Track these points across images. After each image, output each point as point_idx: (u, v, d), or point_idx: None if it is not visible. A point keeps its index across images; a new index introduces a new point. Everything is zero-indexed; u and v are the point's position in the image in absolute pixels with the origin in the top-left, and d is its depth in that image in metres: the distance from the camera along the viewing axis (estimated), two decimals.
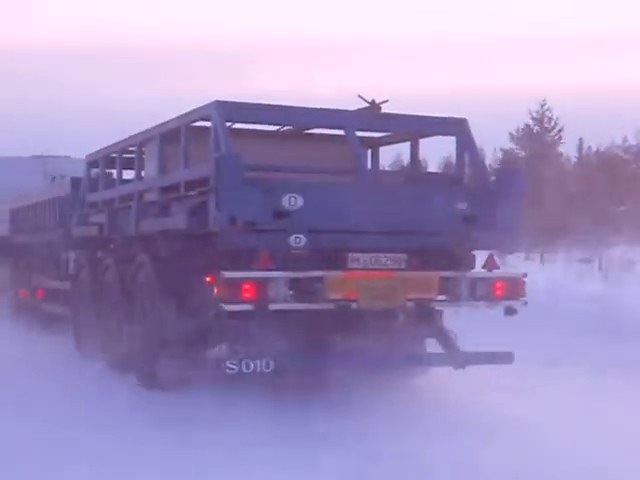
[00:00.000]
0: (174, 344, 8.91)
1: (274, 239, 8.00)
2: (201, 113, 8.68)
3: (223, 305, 7.83)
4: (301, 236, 7.97)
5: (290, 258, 8.00)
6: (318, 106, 8.76)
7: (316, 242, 8.05)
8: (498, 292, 8.61)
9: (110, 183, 11.33)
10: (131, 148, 10.80)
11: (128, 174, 11.22)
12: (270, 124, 9.41)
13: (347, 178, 8.87)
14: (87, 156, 12.27)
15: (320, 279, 7.99)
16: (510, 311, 8.70)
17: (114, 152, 11.20)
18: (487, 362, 8.59)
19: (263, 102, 8.62)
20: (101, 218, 11.07)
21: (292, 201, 7.99)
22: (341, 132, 9.13)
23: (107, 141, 11.49)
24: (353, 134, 8.69)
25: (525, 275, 8.75)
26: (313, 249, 8.04)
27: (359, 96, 8.89)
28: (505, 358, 8.58)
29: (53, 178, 17.18)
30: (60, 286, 13.86)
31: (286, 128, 9.93)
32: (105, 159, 11.53)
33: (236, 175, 7.84)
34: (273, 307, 7.90)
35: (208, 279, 8.00)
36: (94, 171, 12.01)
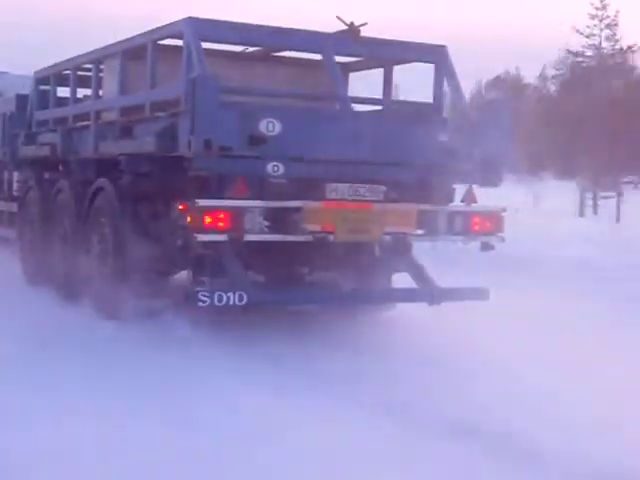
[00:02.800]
0: (137, 273, 8.52)
1: (250, 166, 7.59)
2: (171, 30, 8.16)
3: (196, 235, 7.44)
4: (279, 164, 7.58)
5: (267, 187, 7.61)
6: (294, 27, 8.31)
7: (294, 171, 7.67)
8: (476, 227, 8.37)
9: (63, 101, 10.75)
10: (87, 65, 10.23)
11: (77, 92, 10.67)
12: (245, 45, 8.95)
13: (324, 105, 8.48)
14: (35, 72, 11.64)
15: (298, 209, 7.65)
16: (486, 247, 8.49)
17: (67, 69, 10.60)
18: (463, 298, 8.36)
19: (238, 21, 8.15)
20: (53, 138, 10.49)
21: (270, 126, 7.57)
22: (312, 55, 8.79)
23: (48, 58, 10.96)
24: (331, 59, 8.27)
25: (504, 210, 8.51)
26: (291, 178, 7.66)
27: (337, 17, 8.46)
28: (481, 294, 8.37)
29: None
30: (2, 207, 13.28)
31: (253, 49, 9.46)
32: (57, 76, 10.93)
33: (212, 97, 7.38)
34: (249, 238, 7.54)
35: (180, 207, 7.58)
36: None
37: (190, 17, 7.85)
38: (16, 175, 12.74)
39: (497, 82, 71.31)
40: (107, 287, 8.90)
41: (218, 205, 7.46)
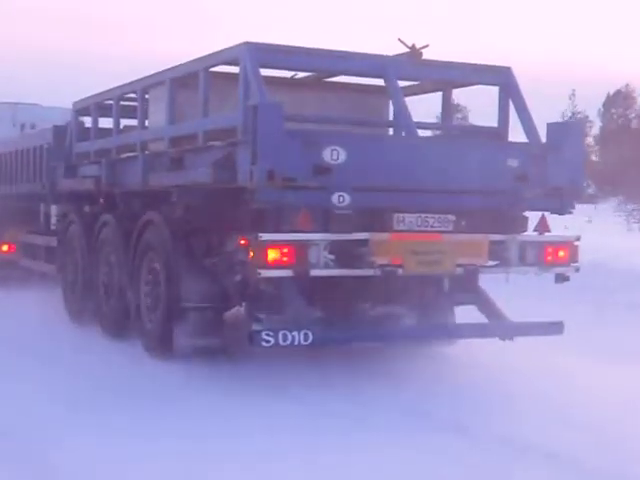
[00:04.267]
0: (190, 310, 8.12)
1: (315, 197, 7.16)
2: (227, 56, 7.78)
3: (259, 271, 7.01)
4: (344, 194, 7.16)
5: (332, 219, 7.19)
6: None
7: (360, 201, 7.25)
8: (549, 257, 7.92)
9: (105, 132, 10.40)
10: (130, 95, 9.89)
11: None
12: (305, 70, 8.58)
13: (378, 131, 8.09)
14: (74, 103, 11.31)
15: (365, 242, 7.22)
16: (561, 278, 8.04)
17: (109, 99, 10.26)
18: (537, 333, 7.92)
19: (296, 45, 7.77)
20: (97, 170, 10.13)
21: (334, 155, 7.16)
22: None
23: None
24: (394, 83, 7.86)
25: (578, 239, 8.06)
26: (357, 209, 7.24)
27: (399, 40, 8.07)
28: (556, 329, 7.92)
29: (22, 126, 16.19)
30: (39, 241, 12.93)
31: (304, 75, 9.08)
32: (98, 106, 10.58)
33: (276, 125, 6.98)
34: (314, 273, 7.11)
35: (241, 241, 7.18)
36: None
37: (247, 42, 7.47)
38: (54, 208, 12.39)
39: (616, 98, 70.35)
40: (158, 325, 8.52)
41: (282, 239, 7.04)
